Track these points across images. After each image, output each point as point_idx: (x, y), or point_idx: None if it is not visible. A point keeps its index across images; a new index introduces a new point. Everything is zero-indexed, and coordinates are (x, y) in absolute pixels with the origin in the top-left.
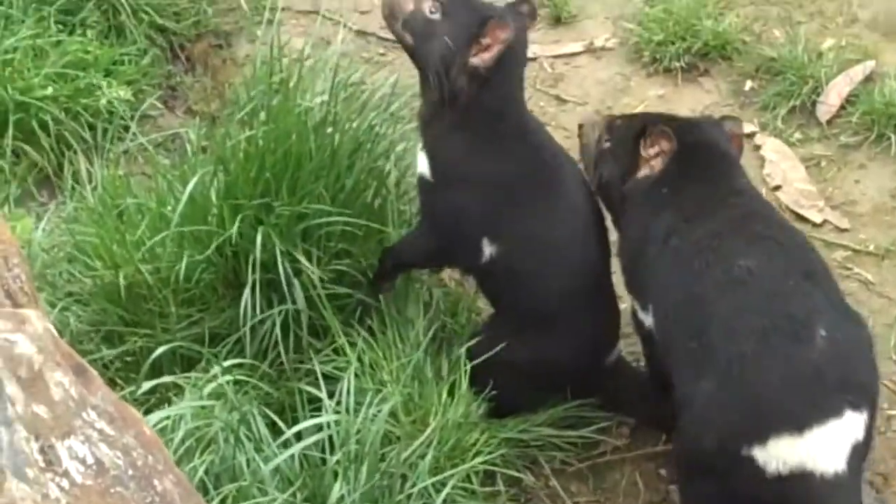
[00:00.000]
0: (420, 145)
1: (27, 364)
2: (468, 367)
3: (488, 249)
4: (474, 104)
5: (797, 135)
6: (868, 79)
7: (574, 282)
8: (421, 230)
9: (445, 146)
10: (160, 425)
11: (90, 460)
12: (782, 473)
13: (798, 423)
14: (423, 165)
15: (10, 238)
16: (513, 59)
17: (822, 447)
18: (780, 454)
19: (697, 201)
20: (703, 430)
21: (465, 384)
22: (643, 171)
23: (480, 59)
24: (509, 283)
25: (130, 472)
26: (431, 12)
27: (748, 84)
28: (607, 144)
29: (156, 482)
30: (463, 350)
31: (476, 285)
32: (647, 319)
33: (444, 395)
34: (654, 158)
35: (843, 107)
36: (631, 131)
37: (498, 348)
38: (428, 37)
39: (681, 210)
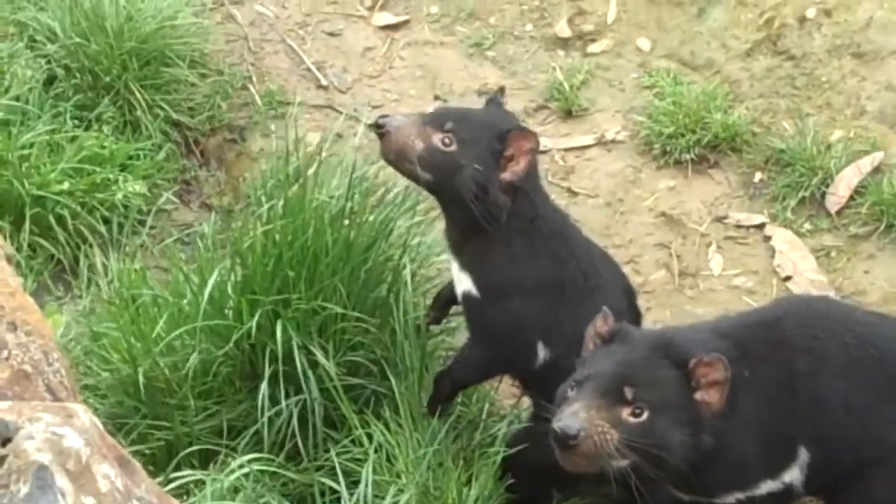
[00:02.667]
0: (457, 266)
1: (75, 457)
2: (500, 456)
3: (542, 353)
4: (511, 214)
5: (807, 225)
6: (877, 170)
7: None
8: (474, 347)
9: (490, 261)
10: None
11: None
12: None
13: None
14: (466, 284)
15: (50, 333)
16: (536, 161)
17: None
18: None
19: None
20: None
21: (482, 475)
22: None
23: (512, 174)
24: (560, 382)
25: None
26: (446, 145)
27: (758, 175)
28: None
29: None
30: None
31: (521, 387)
32: None
33: (462, 486)
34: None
35: (852, 198)
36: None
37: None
38: (453, 170)
39: None
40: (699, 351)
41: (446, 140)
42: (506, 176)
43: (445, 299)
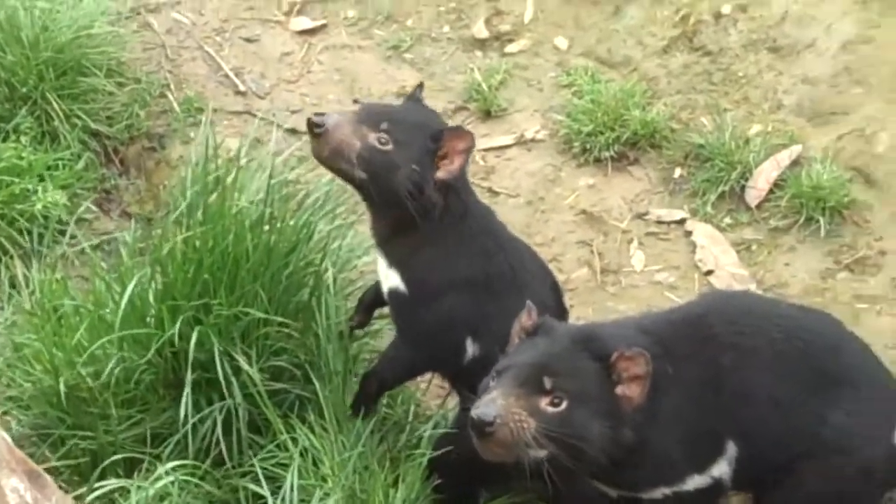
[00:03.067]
0: (385, 263)
1: None
2: (426, 458)
3: (472, 349)
4: (442, 212)
5: (727, 220)
6: (795, 163)
7: None
8: (402, 345)
9: (420, 258)
10: None
11: None
12: None
13: None
14: (394, 280)
15: None
16: (469, 160)
17: None
18: None
19: None
20: None
21: (409, 476)
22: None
23: (447, 172)
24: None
25: None
26: (382, 144)
27: (677, 171)
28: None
29: None
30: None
31: (449, 382)
32: None
33: (388, 488)
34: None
35: (771, 191)
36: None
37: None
38: (390, 169)
39: None
40: (621, 345)
41: (382, 139)
42: (440, 175)
43: (369, 302)
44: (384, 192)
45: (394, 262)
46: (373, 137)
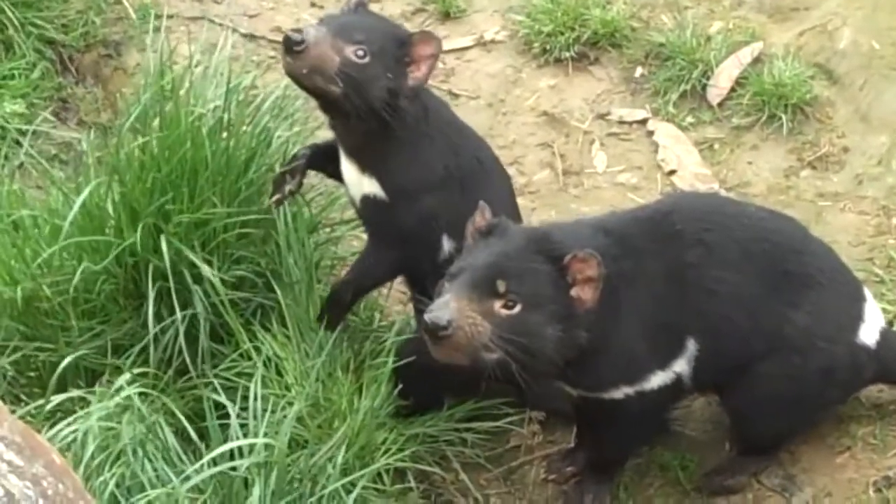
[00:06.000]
0: (356, 169)
1: None
2: (390, 364)
3: (448, 245)
4: (412, 117)
5: (689, 119)
6: (757, 60)
7: None
8: (378, 249)
9: (397, 162)
10: (68, 440)
11: (0, 493)
12: None
13: None
14: (369, 188)
15: None
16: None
17: None
18: None
19: None
20: None
21: (373, 383)
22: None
23: (415, 79)
24: None
25: (41, 501)
26: (360, 57)
27: (639, 70)
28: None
29: None
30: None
31: (409, 289)
32: None
33: (353, 395)
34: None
35: (733, 89)
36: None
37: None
38: (368, 81)
39: None
40: (576, 247)
41: (359, 52)
42: (410, 83)
43: (303, 168)
44: (361, 104)
45: (368, 169)
46: (350, 51)
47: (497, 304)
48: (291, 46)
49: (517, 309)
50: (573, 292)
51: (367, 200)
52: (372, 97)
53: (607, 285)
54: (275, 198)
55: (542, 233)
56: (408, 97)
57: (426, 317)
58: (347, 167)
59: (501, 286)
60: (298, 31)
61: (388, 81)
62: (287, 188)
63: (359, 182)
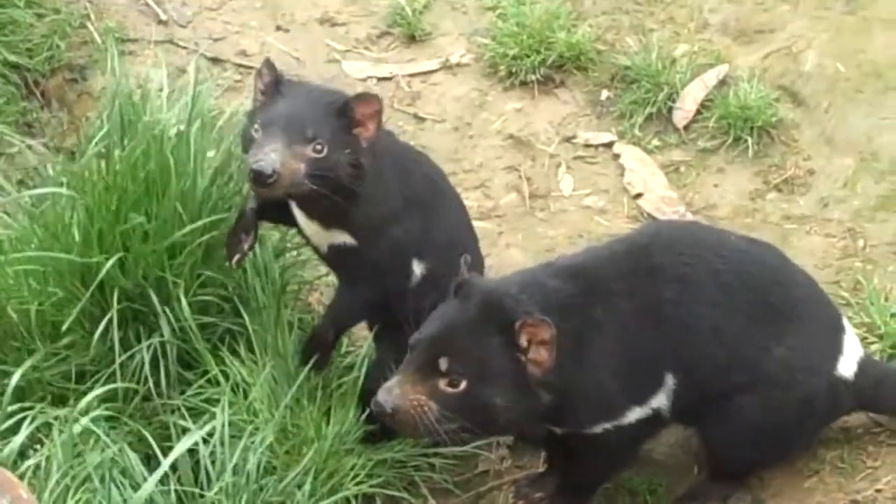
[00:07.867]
0: (320, 227)
1: None
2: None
3: (418, 269)
4: (370, 167)
5: (655, 142)
6: (722, 83)
7: None
8: (353, 288)
9: (361, 209)
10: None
11: None
12: None
13: None
14: (337, 238)
15: None
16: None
17: None
18: None
19: None
20: None
21: (342, 408)
22: None
23: (367, 139)
24: (433, 292)
25: None
26: (319, 151)
27: (604, 93)
28: None
29: None
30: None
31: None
32: None
33: (320, 421)
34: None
35: (699, 112)
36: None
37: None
38: (332, 168)
39: None
40: (535, 305)
41: (318, 147)
42: (363, 143)
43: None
44: (331, 188)
45: (334, 225)
46: (308, 151)
47: (441, 383)
48: (265, 181)
49: (462, 386)
50: (530, 355)
51: (336, 248)
52: (340, 178)
53: (572, 338)
54: (235, 259)
55: (499, 296)
56: (366, 158)
57: (374, 408)
58: (308, 224)
59: (444, 364)
60: (259, 160)
61: (348, 157)
62: (244, 246)
63: (325, 235)
